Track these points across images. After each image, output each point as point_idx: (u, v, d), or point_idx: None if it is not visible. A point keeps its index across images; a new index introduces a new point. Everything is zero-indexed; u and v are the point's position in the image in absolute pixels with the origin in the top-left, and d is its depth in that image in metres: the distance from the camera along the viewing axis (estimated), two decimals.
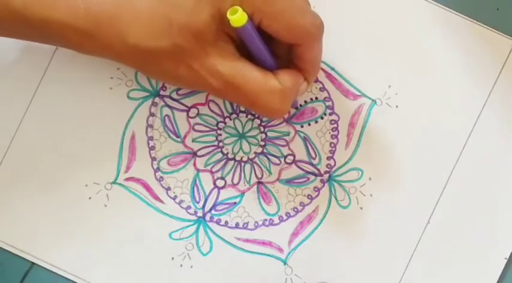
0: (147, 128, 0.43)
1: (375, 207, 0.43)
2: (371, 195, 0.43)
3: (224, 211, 0.43)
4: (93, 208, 0.43)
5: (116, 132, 0.43)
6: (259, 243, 0.43)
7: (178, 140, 0.43)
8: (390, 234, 0.43)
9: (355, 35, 0.43)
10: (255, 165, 0.44)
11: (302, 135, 0.44)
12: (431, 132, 0.44)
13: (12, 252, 0.43)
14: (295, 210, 0.44)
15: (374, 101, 0.44)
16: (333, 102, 0.44)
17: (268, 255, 0.43)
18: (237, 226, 0.43)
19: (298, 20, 0.36)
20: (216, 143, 0.43)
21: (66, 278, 0.43)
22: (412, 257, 0.43)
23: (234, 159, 0.44)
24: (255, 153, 0.44)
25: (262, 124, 0.44)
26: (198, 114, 0.43)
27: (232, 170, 0.43)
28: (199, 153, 0.43)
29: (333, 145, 0.44)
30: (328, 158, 0.44)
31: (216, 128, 0.43)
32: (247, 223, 0.43)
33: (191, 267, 0.43)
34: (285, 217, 0.44)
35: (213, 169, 0.43)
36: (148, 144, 0.43)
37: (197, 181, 0.43)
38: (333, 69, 0.44)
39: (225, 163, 0.43)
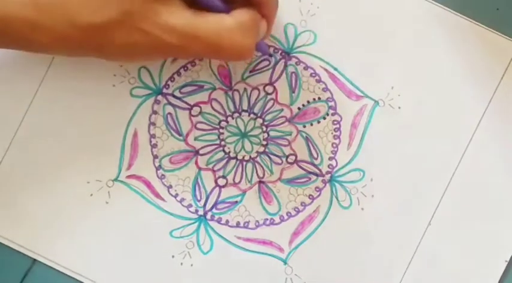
0: (150, 126, 0.43)
1: (376, 208, 0.43)
2: (372, 196, 0.43)
3: (225, 210, 0.43)
4: (94, 205, 0.43)
5: (118, 129, 0.43)
6: (259, 243, 0.43)
7: (181, 138, 0.43)
8: (391, 236, 0.43)
9: (359, 36, 0.43)
10: (256, 164, 0.44)
11: (304, 135, 0.44)
12: (433, 134, 0.44)
13: (14, 249, 0.43)
14: (296, 209, 0.44)
15: (377, 102, 0.44)
16: (335, 103, 0.44)
17: (269, 255, 0.43)
18: (237, 225, 0.43)
19: None
20: (218, 142, 0.43)
21: (67, 275, 0.43)
22: (412, 258, 0.43)
23: (235, 158, 0.44)
24: (257, 152, 0.44)
25: (265, 123, 0.44)
26: (200, 112, 0.43)
27: (234, 169, 0.43)
28: (201, 152, 0.43)
29: (335, 145, 0.44)
30: (330, 158, 0.44)
31: (218, 126, 0.43)
32: (248, 222, 0.43)
33: (191, 265, 0.43)
34: (286, 217, 0.44)
35: (215, 168, 0.43)
36: (151, 141, 0.43)
37: (199, 180, 0.43)
38: (335, 69, 0.44)
39: (227, 162, 0.43)
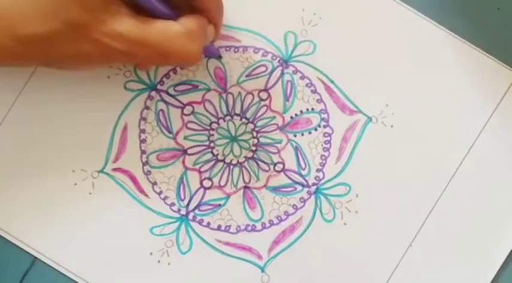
0: (140, 121, 0.43)
1: (358, 224, 0.43)
2: (356, 212, 0.43)
3: (208, 212, 0.43)
4: (77, 195, 0.43)
5: (108, 121, 0.43)
6: (239, 248, 0.43)
7: (170, 135, 0.43)
8: (371, 254, 0.43)
9: (358, 51, 0.43)
10: (243, 169, 0.43)
11: (294, 144, 0.43)
12: (423, 156, 0.43)
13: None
14: (279, 218, 0.43)
15: (370, 118, 0.43)
16: (328, 115, 0.43)
17: (247, 261, 0.43)
18: (219, 228, 0.43)
19: None
20: (207, 143, 0.43)
21: (41, 260, 0.42)
22: (390, 278, 0.43)
23: (223, 161, 0.43)
24: (245, 157, 0.43)
25: (256, 129, 0.43)
26: (192, 112, 0.43)
27: (221, 172, 0.43)
28: (189, 151, 0.43)
29: (324, 157, 0.43)
30: (317, 170, 0.43)
31: (209, 128, 0.43)
32: (229, 226, 0.43)
33: (168, 264, 0.43)
34: (267, 225, 0.43)
35: (202, 169, 0.43)
36: (140, 136, 0.43)
37: (184, 179, 0.43)
38: (332, 82, 0.43)
39: (214, 164, 0.43)
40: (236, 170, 0.43)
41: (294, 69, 0.43)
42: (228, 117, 0.43)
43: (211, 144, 0.43)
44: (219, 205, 0.43)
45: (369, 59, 0.43)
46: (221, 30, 0.41)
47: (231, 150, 0.43)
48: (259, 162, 0.43)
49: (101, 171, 0.43)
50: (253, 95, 0.43)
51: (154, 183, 0.43)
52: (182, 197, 0.43)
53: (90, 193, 0.43)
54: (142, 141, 0.43)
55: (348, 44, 0.43)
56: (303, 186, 0.43)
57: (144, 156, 0.43)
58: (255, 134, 0.43)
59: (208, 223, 0.43)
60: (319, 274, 0.43)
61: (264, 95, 0.43)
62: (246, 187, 0.43)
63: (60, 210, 0.43)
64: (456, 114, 0.44)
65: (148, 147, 0.43)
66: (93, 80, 0.43)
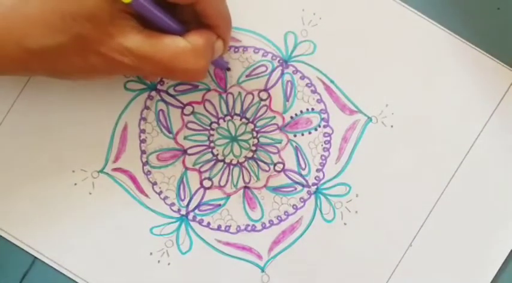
0: (140, 121, 0.43)
1: (358, 224, 0.43)
2: (356, 211, 0.43)
3: (208, 212, 0.43)
4: (77, 195, 0.43)
5: (108, 121, 0.43)
6: (239, 248, 0.43)
7: (170, 135, 0.43)
8: (371, 254, 0.43)
9: (359, 51, 0.43)
10: (243, 169, 0.43)
11: (294, 144, 0.43)
12: (423, 156, 0.43)
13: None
14: (279, 218, 0.43)
15: (370, 118, 0.43)
16: (328, 115, 0.43)
17: (247, 261, 0.43)
18: (219, 228, 0.43)
19: None
20: (207, 143, 0.43)
21: (43, 261, 0.42)
22: (389, 279, 0.43)
23: (223, 161, 0.43)
24: (245, 157, 0.43)
25: (256, 129, 0.43)
26: (192, 112, 0.43)
27: (221, 172, 0.43)
28: (189, 151, 0.43)
29: (323, 157, 0.43)
30: (317, 170, 0.43)
31: (209, 128, 0.43)
32: (229, 226, 0.43)
33: (168, 264, 0.43)
34: (267, 225, 0.43)
35: (202, 169, 0.43)
36: (140, 136, 0.43)
37: (184, 179, 0.43)
38: (332, 82, 0.43)
39: (214, 164, 0.43)
40: (236, 170, 0.43)
41: (294, 69, 0.43)
42: (228, 117, 0.43)
43: (212, 144, 0.43)
44: (219, 205, 0.43)
45: (369, 59, 0.43)
46: (228, 44, 0.41)
47: (231, 150, 0.43)
48: (259, 162, 0.43)
49: (101, 171, 0.43)
50: (253, 95, 0.43)
51: (155, 183, 0.43)
52: (182, 197, 0.43)
53: (90, 193, 0.43)
54: (142, 141, 0.43)
55: (348, 44, 0.43)
56: (303, 186, 0.43)
57: (144, 156, 0.43)
58: (255, 134, 0.43)
59: (208, 223, 0.43)
60: (319, 274, 0.43)
61: (264, 95, 0.43)
62: (246, 187, 0.43)
63: (60, 210, 0.43)
64: (456, 114, 0.44)
65: (148, 147, 0.43)
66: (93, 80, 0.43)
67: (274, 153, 0.43)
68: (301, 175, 0.43)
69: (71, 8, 0.34)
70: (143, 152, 0.43)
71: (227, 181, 0.43)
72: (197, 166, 0.43)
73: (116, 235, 0.43)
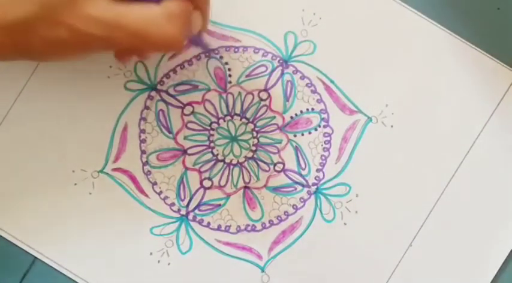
0: (140, 121, 0.43)
1: (358, 224, 0.43)
2: (356, 211, 0.43)
3: (208, 212, 0.43)
4: (77, 195, 0.43)
5: (108, 121, 0.43)
6: (239, 248, 0.43)
7: (170, 135, 0.43)
8: (371, 254, 0.43)
9: (359, 51, 0.43)
10: (243, 169, 0.43)
11: (294, 144, 0.43)
12: (423, 156, 0.43)
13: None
14: (279, 218, 0.43)
15: (370, 118, 0.43)
16: (328, 115, 0.43)
17: (247, 261, 0.43)
18: (218, 228, 0.43)
19: None
20: (207, 143, 0.43)
21: (43, 261, 0.42)
22: (389, 279, 0.43)
23: (223, 161, 0.43)
24: (245, 157, 0.43)
25: (256, 129, 0.43)
26: (192, 112, 0.43)
27: (221, 172, 0.43)
28: (189, 151, 0.43)
29: (323, 157, 0.43)
30: (317, 170, 0.43)
31: (209, 128, 0.43)
32: (229, 226, 0.43)
33: (168, 264, 0.43)
34: (267, 225, 0.43)
35: (202, 169, 0.43)
36: (140, 136, 0.43)
37: (184, 179, 0.43)
38: (332, 82, 0.43)
39: (214, 164, 0.43)
40: (236, 170, 0.43)
41: (294, 69, 0.43)
42: (228, 117, 0.43)
43: (212, 144, 0.43)
44: (219, 205, 0.43)
45: (369, 59, 0.43)
46: (208, 20, 0.40)
47: (231, 150, 0.43)
48: (259, 162, 0.43)
49: (101, 171, 0.43)
50: (253, 94, 0.43)
51: (154, 183, 0.43)
52: (182, 197, 0.43)
53: (90, 193, 0.43)
54: (143, 141, 0.43)
55: (348, 44, 0.43)
56: (303, 186, 0.43)
57: (144, 156, 0.43)
58: (255, 133, 0.43)
59: (208, 223, 0.43)
60: (319, 274, 0.43)
61: (264, 95, 0.43)
62: (246, 187, 0.43)
63: (61, 210, 0.43)
64: (456, 114, 0.44)
65: (148, 147, 0.43)
66: (93, 80, 0.43)
67: (274, 153, 0.43)
68: (301, 175, 0.43)
69: None
70: (143, 152, 0.43)
71: (227, 181, 0.43)
72: (197, 166, 0.43)
73: (116, 235, 0.43)
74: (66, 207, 0.43)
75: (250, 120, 0.43)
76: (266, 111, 0.43)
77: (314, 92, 0.43)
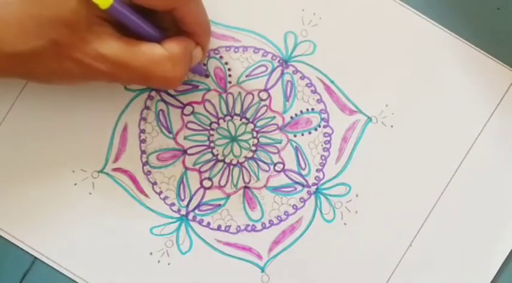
0: (140, 121, 0.43)
1: (358, 224, 0.43)
2: (356, 211, 0.43)
3: (208, 212, 0.43)
4: (77, 195, 0.43)
5: (108, 121, 0.43)
6: (239, 248, 0.43)
7: (170, 135, 0.43)
8: (371, 254, 0.43)
9: (358, 51, 0.43)
10: (243, 169, 0.43)
11: (294, 144, 0.43)
12: (423, 155, 0.43)
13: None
14: (279, 218, 0.43)
15: (370, 118, 0.43)
16: (328, 115, 0.43)
17: (247, 261, 0.43)
18: (219, 228, 0.43)
19: None
20: (207, 143, 0.43)
21: (43, 261, 0.42)
22: (389, 279, 0.43)
23: (223, 161, 0.43)
24: (245, 157, 0.43)
25: (256, 129, 0.43)
26: (192, 112, 0.43)
27: (221, 172, 0.43)
28: (189, 152, 0.43)
29: (323, 157, 0.44)
30: (317, 170, 0.43)
31: (209, 128, 0.43)
32: (229, 226, 0.43)
33: (168, 264, 0.43)
34: (267, 225, 0.43)
35: (202, 169, 0.43)
36: (140, 137, 0.43)
37: (184, 179, 0.43)
38: (332, 82, 0.43)
39: (214, 165, 0.43)
40: (236, 170, 0.43)
41: (294, 69, 0.43)
42: (228, 117, 0.43)
43: (211, 144, 0.43)
44: (219, 205, 0.43)
45: (369, 59, 0.43)
46: (207, 51, 0.42)
47: (231, 150, 0.43)
48: (259, 162, 0.43)
49: (101, 171, 0.43)
50: (253, 95, 0.43)
51: (155, 183, 0.43)
52: (182, 197, 0.43)
53: (90, 194, 0.43)
54: (142, 141, 0.43)
55: (348, 44, 0.43)
56: (303, 186, 0.43)
57: (144, 156, 0.43)
58: (255, 134, 0.43)
59: (208, 223, 0.43)
60: (319, 274, 0.43)
61: (264, 95, 0.43)
62: (246, 187, 0.43)
63: (61, 210, 0.43)
64: (456, 114, 0.44)
65: (148, 147, 0.43)
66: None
67: (274, 153, 0.43)
68: (301, 175, 0.43)
69: (48, 13, 0.34)
70: (143, 152, 0.43)
71: (227, 182, 0.43)
72: (197, 166, 0.43)
73: (116, 235, 0.43)
74: (67, 207, 0.43)
75: (250, 120, 0.43)
76: (266, 111, 0.43)
77: (314, 92, 0.43)
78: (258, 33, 0.43)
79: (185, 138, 0.43)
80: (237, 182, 0.43)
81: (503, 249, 0.44)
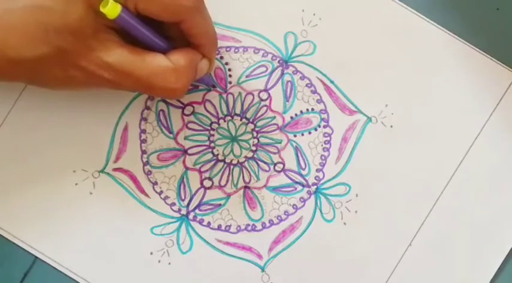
0: (141, 121, 0.43)
1: (358, 224, 0.43)
2: (356, 211, 0.43)
3: (208, 211, 0.43)
4: (78, 195, 0.43)
5: (109, 121, 0.43)
6: (239, 247, 0.43)
7: (171, 136, 0.43)
8: (371, 253, 0.43)
9: (358, 51, 0.43)
10: (244, 169, 0.43)
11: (294, 144, 0.44)
12: (423, 156, 0.44)
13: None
14: (279, 218, 0.43)
15: (369, 119, 0.44)
16: (328, 115, 0.44)
17: (247, 260, 0.43)
18: (219, 228, 0.43)
19: None
20: (207, 143, 0.43)
21: (44, 261, 0.43)
22: (389, 279, 0.43)
23: (223, 161, 0.43)
24: (246, 157, 0.44)
25: (256, 129, 0.44)
26: (193, 112, 0.43)
27: (221, 172, 0.43)
28: (189, 151, 0.43)
29: (323, 157, 0.44)
30: (317, 170, 0.44)
31: (209, 128, 0.43)
32: (229, 226, 0.43)
33: (169, 264, 0.43)
34: (268, 224, 0.43)
35: (202, 169, 0.43)
36: (140, 137, 0.43)
37: (184, 179, 0.43)
38: (332, 82, 0.44)
39: (215, 164, 0.43)
40: (236, 170, 0.43)
41: (294, 69, 0.43)
42: (229, 117, 0.43)
43: (212, 144, 0.43)
44: (220, 205, 0.43)
45: (368, 59, 0.44)
46: (214, 63, 0.41)
47: (232, 150, 0.43)
48: (260, 162, 0.44)
49: (102, 171, 0.43)
50: (253, 95, 0.43)
51: (155, 183, 0.43)
52: (182, 197, 0.43)
53: (90, 193, 0.43)
54: (143, 141, 0.43)
55: (348, 44, 0.43)
56: (303, 185, 0.44)
57: (145, 156, 0.43)
58: (255, 134, 0.44)
59: (209, 223, 0.43)
60: (319, 274, 0.43)
61: (264, 95, 0.44)
62: (246, 187, 0.43)
63: (61, 210, 0.43)
64: (456, 114, 0.44)
65: (148, 147, 0.43)
66: None
67: (274, 153, 0.44)
68: (301, 175, 0.44)
69: (54, 20, 0.34)
70: (144, 152, 0.43)
71: (227, 181, 0.43)
72: (197, 166, 0.43)
73: (116, 235, 0.43)
74: (67, 207, 0.43)
75: (251, 120, 0.43)
76: (266, 111, 0.44)
77: (314, 92, 0.44)
78: (258, 33, 0.43)
79: (185, 138, 0.43)
80: (237, 182, 0.43)
81: (502, 249, 0.44)
